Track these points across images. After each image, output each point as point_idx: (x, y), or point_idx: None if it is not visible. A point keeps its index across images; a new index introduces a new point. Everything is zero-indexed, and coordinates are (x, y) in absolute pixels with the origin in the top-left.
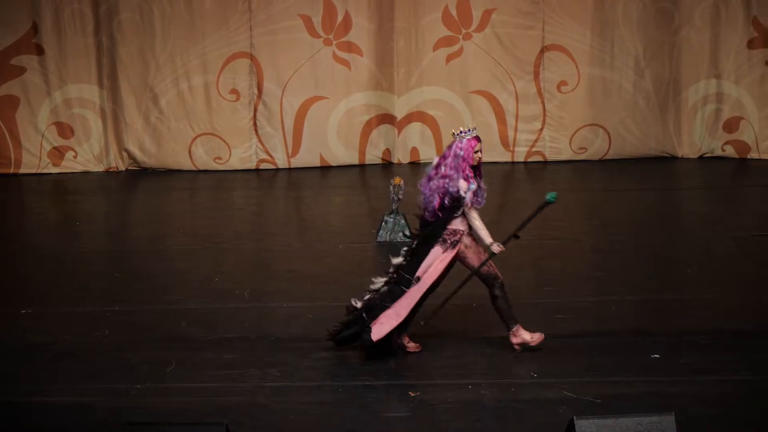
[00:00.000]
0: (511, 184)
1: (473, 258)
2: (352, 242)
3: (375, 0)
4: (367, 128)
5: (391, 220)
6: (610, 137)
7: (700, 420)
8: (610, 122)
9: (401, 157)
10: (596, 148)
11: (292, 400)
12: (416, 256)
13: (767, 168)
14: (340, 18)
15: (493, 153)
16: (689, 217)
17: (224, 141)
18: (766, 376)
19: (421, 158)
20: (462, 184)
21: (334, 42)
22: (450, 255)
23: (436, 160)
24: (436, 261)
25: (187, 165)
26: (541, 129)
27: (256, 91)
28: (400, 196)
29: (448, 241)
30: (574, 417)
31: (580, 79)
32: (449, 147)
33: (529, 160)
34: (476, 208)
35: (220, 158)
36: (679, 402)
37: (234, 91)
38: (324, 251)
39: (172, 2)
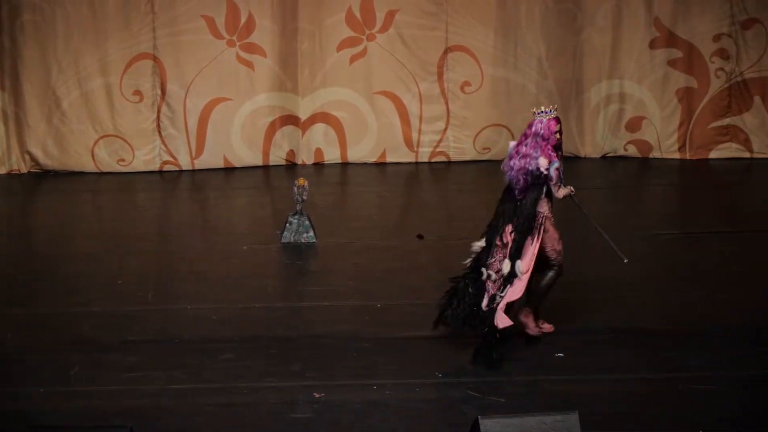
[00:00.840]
0: (416, 184)
1: (546, 242)
2: (256, 243)
3: (278, 1)
4: (271, 129)
5: (296, 220)
6: (513, 137)
7: (604, 418)
8: (514, 122)
9: (305, 158)
10: (500, 148)
11: (197, 402)
12: (516, 243)
13: (669, 167)
14: (243, 19)
15: (396, 154)
16: (593, 216)
17: (127, 143)
18: (668, 374)
19: (325, 159)
20: (542, 161)
21: (238, 43)
22: (538, 242)
23: (514, 143)
24: (530, 252)
25: (89, 167)
26: (445, 129)
27: (159, 92)
28: (304, 197)
29: (534, 228)
30: (479, 416)
31: (484, 80)
32: (529, 126)
33: (433, 160)
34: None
35: (123, 160)
36: (583, 401)
37: (137, 93)
38: (228, 253)
39: (74, 4)
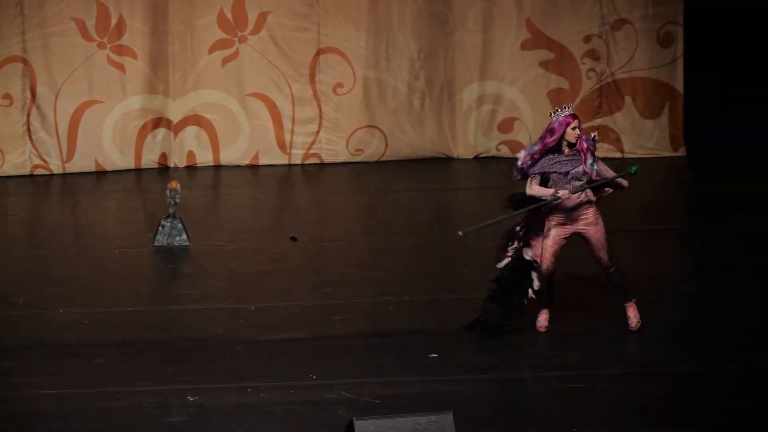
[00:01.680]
0: (289, 186)
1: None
2: (128, 247)
3: (149, 2)
4: (143, 132)
5: (168, 224)
6: (386, 139)
7: (479, 418)
8: (386, 124)
9: (177, 161)
10: (373, 149)
11: (71, 407)
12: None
13: None
14: (114, 21)
15: (269, 156)
16: (465, 217)
17: None
18: (542, 372)
19: (197, 162)
20: (521, 154)
21: (108, 45)
22: (544, 238)
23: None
24: (537, 244)
25: None
26: (318, 131)
27: (29, 95)
28: (177, 200)
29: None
30: (354, 418)
31: (356, 82)
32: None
33: (306, 162)
34: (559, 182)
35: None
36: (458, 401)
37: (7, 96)
38: (100, 257)
39: None
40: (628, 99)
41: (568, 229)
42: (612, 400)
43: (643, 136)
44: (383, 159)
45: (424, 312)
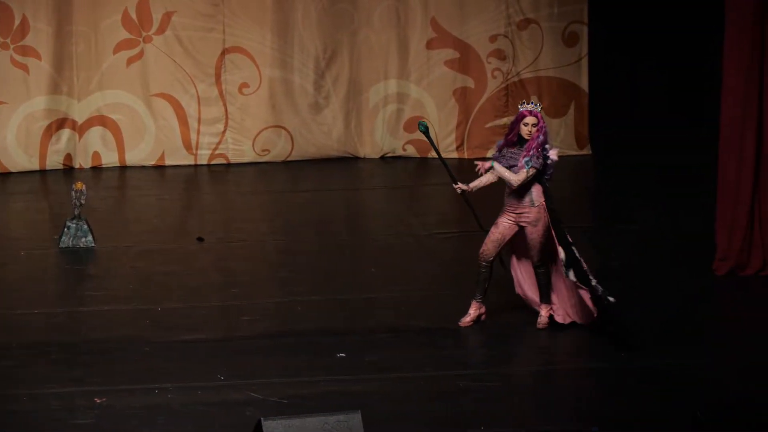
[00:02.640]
0: (195, 187)
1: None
2: (33, 249)
3: (53, 3)
4: (47, 133)
5: (74, 225)
6: (292, 139)
7: (387, 417)
8: (292, 124)
9: (83, 161)
10: (279, 149)
11: None
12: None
13: None
14: (17, 22)
15: (175, 156)
16: (372, 216)
17: None
18: (448, 371)
19: (103, 162)
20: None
21: (12, 46)
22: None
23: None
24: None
25: None
26: (224, 131)
27: None
28: (82, 201)
29: None
30: (262, 418)
31: (262, 81)
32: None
33: (213, 162)
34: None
35: None
36: (366, 400)
37: None
38: (5, 258)
39: None
40: (534, 98)
41: (512, 220)
42: (518, 398)
43: (549, 134)
44: (290, 159)
45: (332, 312)
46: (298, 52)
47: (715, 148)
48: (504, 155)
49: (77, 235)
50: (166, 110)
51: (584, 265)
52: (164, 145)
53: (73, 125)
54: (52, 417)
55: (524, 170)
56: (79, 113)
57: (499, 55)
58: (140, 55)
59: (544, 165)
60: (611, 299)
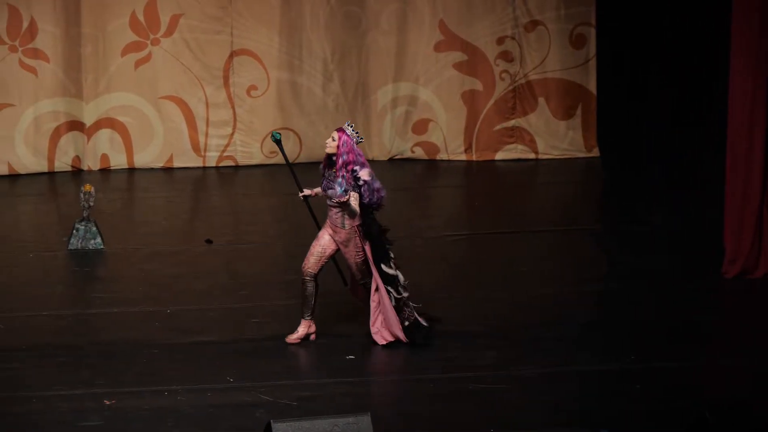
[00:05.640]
0: (203, 189)
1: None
2: (42, 251)
3: (61, 5)
4: (56, 135)
5: (82, 227)
6: (300, 141)
7: (396, 419)
8: (300, 126)
9: (91, 164)
10: (287, 151)
11: None
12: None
13: (456, 169)
14: (25, 24)
15: (184, 158)
16: (381, 218)
17: None
18: (455, 373)
19: (111, 165)
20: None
21: (20, 48)
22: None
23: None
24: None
25: None
26: (232, 134)
27: None
28: (91, 203)
29: None
30: (272, 420)
31: (270, 84)
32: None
33: (221, 165)
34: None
35: None
36: (375, 402)
37: None
38: (14, 260)
39: None
40: (541, 100)
41: (330, 235)
42: (527, 400)
43: (556, 137)
44: (298, 161)
45: (337, 314)
46: (306, 54)
47: (723, 150)
48: (326, 177)
49: (86, 237)
50: (175, 112)
51: (404, 291)
52: (173, 147)
53: (82, 127)
54: (60, 419)
55: (352, 197)
56: (88, 115)
57: (507, 57)
58: (148, 57)
59: (357, 186)
60: (424, 323)
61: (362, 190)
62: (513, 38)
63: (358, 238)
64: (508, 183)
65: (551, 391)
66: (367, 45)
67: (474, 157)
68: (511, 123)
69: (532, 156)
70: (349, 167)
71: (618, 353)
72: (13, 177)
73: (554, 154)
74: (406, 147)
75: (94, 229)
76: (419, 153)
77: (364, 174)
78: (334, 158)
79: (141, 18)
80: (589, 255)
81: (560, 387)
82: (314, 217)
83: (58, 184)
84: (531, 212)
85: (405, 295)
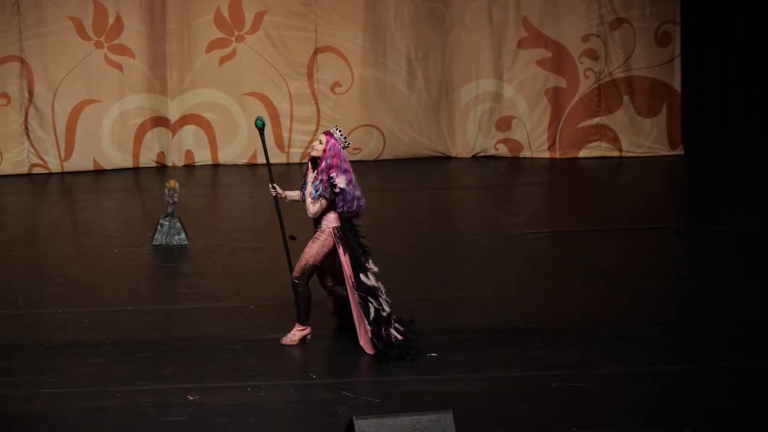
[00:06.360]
0: (286, 185)
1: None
2: (127, 246)
3: (146, 1)
4: (141, 131)
5: (167, 223)
6: (384, 138)
7: (478, 417)
8: (384, 123)
9: (176, 160)
10: (371, 148)
11: (69, 407)
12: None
13: (539, 166)
14: (111, 20)
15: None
16: (464, 216)
17: None
18: (538, 372)
19: (195, 161)
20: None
21: (106, 44)
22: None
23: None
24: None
25: None
26: (316, 130)
27: (27, 94)
28: (175, 199)
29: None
30: (353, 417)
31: (354, 80)
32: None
33: (304, 161)
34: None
35: None
36: (457, 399)
37: (4, 95)
38: (99, 256)
39: None
40: (626, 98)
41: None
42: (609, 399)
43: (641, 135)
44: (381, 158)
45: (423, 311)
46: (390, 51)
47: None
48: (307, 180)
49: (170, 233)
50: (259, 109)
51: (384, 306)
52: (256, 143)
53: (166, 123)
54: (144, 414)
55: (318, 201)
56: (172, 111)
57: (592, 54)
58: (232, 54)
59: (333, 193)
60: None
61: (336, 198)
62: (598, 36)
63: (333, 239)
64: (592, 181)
65: (634, 390)
66: (451, 42)
67: (557, 155)
68: (596, 121)
69: (615, 154)
70: (331, 171)
71: (700, 352)
72: (99, 173)
73: (638, 152)
74: (490, 144)
75: (179, 224)
76: (503, 150)
77: (340, 181)
78: (319, 161)
79: (226, 15)
80: (673, 254)
81: (643, 386)
82: (280, 217)
83: (143, 180)
84: (614, 210)
85: (387, 310)
